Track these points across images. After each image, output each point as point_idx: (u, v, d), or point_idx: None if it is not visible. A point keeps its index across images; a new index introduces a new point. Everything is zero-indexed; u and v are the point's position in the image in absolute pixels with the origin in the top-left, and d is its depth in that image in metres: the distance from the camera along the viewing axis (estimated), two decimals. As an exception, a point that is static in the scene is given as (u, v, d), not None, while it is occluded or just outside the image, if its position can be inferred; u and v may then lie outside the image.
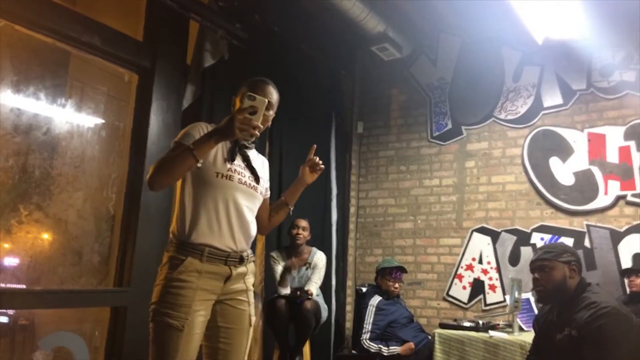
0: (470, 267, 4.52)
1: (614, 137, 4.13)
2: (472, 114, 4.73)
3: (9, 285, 2.73)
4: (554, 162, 4.32)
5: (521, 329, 3.66)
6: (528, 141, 4.44)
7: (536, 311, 3.51)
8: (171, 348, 1.78)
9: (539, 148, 4.39)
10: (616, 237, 4.02)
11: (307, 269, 3.91)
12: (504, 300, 4.21)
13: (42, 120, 2.90)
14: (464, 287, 4.52)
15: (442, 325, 3.83)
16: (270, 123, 2.08)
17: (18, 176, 2.76)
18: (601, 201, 4.10)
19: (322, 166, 2.14)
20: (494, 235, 4.47)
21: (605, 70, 4.24)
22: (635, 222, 3.98)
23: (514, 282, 3.68)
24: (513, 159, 4.50)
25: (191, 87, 3.44)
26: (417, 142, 4.95)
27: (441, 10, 4.55)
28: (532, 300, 3.86)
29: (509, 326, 3.73)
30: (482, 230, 4.52)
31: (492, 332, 3.55)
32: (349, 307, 4.86)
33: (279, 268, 3.80)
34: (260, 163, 2.11)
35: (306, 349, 3.80)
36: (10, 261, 2.82)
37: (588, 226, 4.13)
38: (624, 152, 4.07)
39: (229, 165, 1.92)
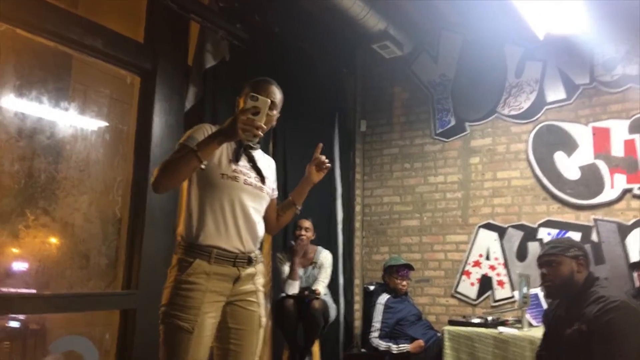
0: (477, 264, 4.51)
1: (619, 130, 4.10)
2: (475, 110, 4.71)
3: (19, 290, 2.73)
4: (559, 157, 4.30)
5: (530, 325, 3.65)
6: (532, 136, 4.42)
7: (545, 306, 3.50)
8: (181, 350, 1.78)
9: (544, 143, 4.37)
10: (624, 231, 4.00)
11: (313, 268, 3.91)
12: (513, 296, 4.20)
13: (46, 124, 2.89)
14: (472, 284, 4.50)
15: (451, 322, 3.83)
16: (275, 123, 2.07)
17: (24, 181, 2.76)
18: (608, 195, 4.08)
19: (329, 164, 2.13)
20: (501, 231, 4.45)
21: (608, 64, 4.21)
22: (642, 215, 3.96)
23: (522, 278, 3.67)
24: (517, 155, 4.47)
25: (193, 89, 3.43)
26: (420, 139, 4.93)
27: (442, 9, 4.53)
28: (541, 295, 3.83)
29: (518, 322, 3.72)
30: (489, 227, 4.50)
31: (501, 328, 3.54)
32: (357, 306, 4.84)
33: (285, 269, 3.80)
34: (267, 164, 2.10)
35: (315, 348, 3.80)
36: (20, 266, 2.82)
37: (595, 220, 4.11)
38: (629, 145, 4.05)
39: (234, 166, 1.92)
